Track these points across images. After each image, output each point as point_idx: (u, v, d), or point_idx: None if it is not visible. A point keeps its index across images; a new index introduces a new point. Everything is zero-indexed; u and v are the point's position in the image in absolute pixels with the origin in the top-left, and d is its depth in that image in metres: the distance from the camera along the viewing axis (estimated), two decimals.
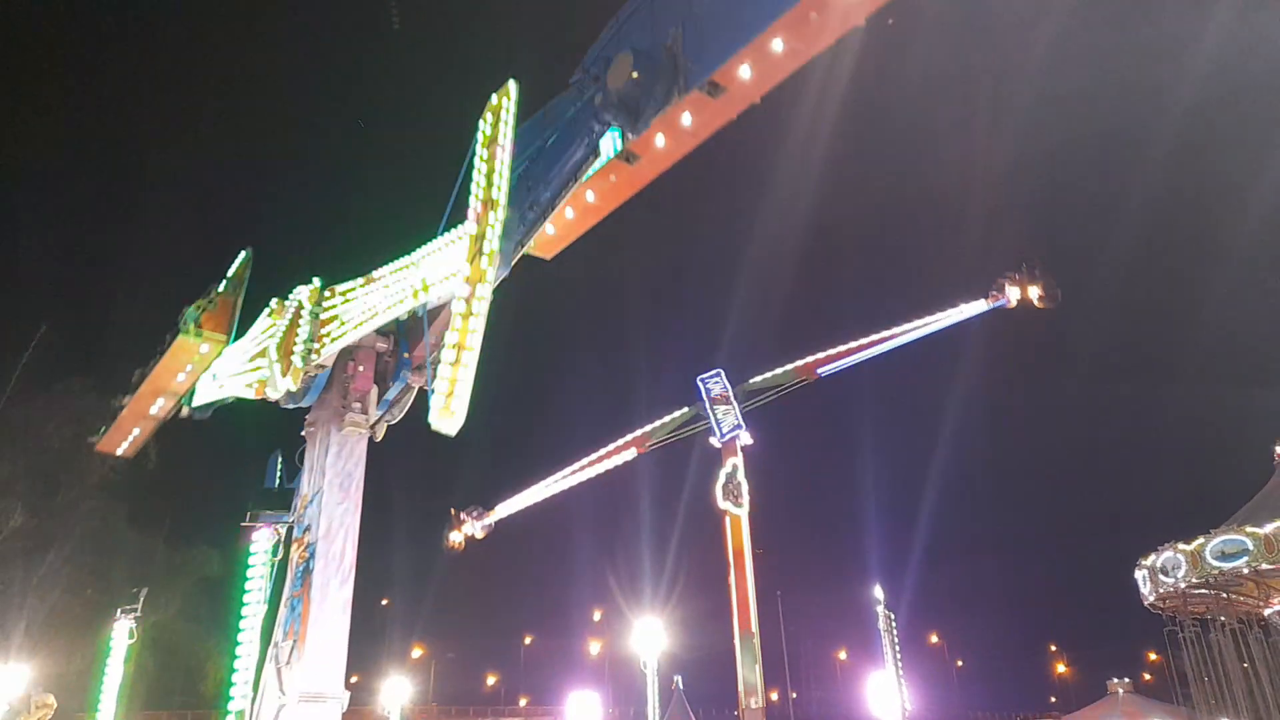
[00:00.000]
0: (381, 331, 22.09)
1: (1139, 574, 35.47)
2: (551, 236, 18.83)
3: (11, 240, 46.34)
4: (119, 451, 28.25)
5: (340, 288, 20.64)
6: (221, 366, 24.35)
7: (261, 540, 21.37)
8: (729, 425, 34.88)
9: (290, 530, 21.32)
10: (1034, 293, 29.40)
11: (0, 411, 37.54)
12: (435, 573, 64.86)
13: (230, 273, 24.59)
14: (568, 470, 38.02)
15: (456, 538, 38.46)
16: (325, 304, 20.88)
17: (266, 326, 22.28)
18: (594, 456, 37.48)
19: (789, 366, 35.48)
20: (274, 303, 22.29)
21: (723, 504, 34.00)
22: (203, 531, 45.07)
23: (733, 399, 35.26)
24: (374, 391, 21.77)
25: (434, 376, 16.21)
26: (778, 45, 12.15)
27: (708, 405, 35.69)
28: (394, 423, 22.54)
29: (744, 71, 12.68)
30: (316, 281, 21.04)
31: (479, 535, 38.72)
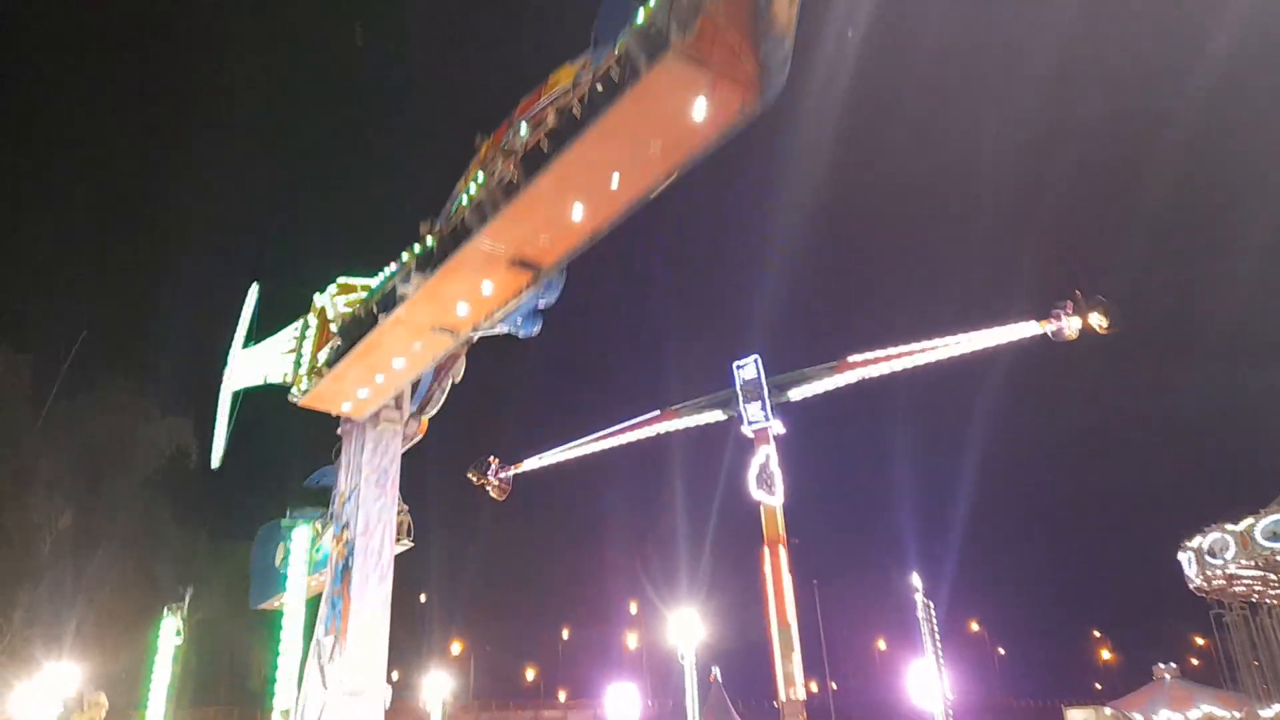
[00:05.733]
0: None
1: (1183, 556, 34.76)
2: None
3: (54, 244, 47.22)
4: None
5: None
6: (261, 355, 24.62)
7: (300, 538, 21.67)
8: (755, 415, 34.34)
9: (328, 527, 21.66)
10: (1096, 320, 28.44)
11: (46, 411, 38.35)
12: (473, 567, 65.32)
13: None
14: (597, 435, 37.58)
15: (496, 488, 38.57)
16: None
17: (304, 325, 22.53)
18: (624, 425, 37.19)
19: (822, 366, 34.69)
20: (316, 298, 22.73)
21: (756, 493, 33.73)
22: (245, 527, 45.64)
23: (764, 388, 34.70)
24: (408, 387, 21.99)
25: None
26: None
27: (739, 393, 35.18)
28: (432, 415, 22.76)
29: None
30: (317, 300, 21.36)
31: (494, 494, 38.68)
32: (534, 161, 13.78)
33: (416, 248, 16.88)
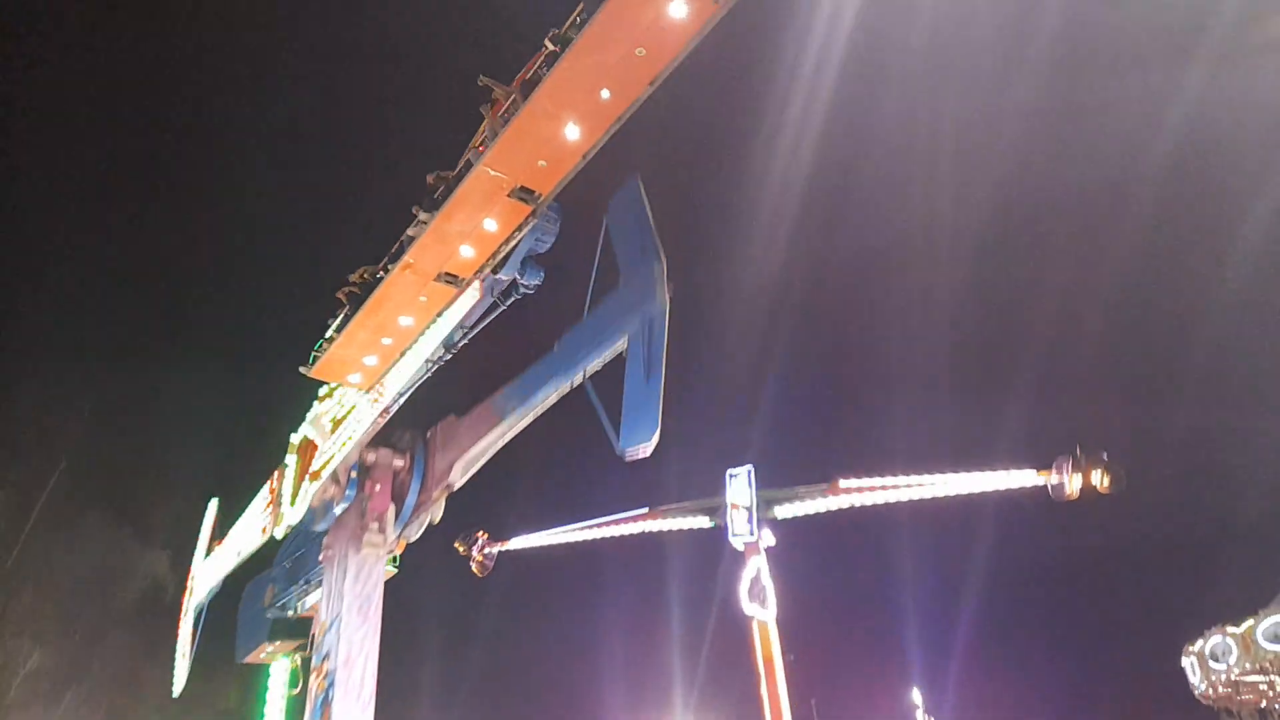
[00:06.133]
0: (398, 449, 22.23)
1: (1186, 661, 33.99)
2: None
3: (32, 374, 46.94)
4: None
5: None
6: (229, 541, 24.63)
7: (279, 672, 20.99)
8: (740, 528, 33.75)
9: (308, 660, 21.02)
10: (1097, 479, 28.46)
11: (19, 549, 37.49)
12: (459, 696, 62.90)
13: None
14: (584, 524, 36.52)
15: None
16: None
17: (282, 468, 22.52)
18: (611, 519, 36.39)
19: (814, 486, 34.56)
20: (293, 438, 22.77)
21: (749, 608, 33.03)
22: (221, 663, 44.14)
23: (753, 501, 34.24)
24: (391, 510, 21.74)
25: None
26: None
27: (726, 503, 34.70)
28: (413, 541, 22.43)
29: None
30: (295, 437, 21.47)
31: (476, 569, 37.44)
32: (531, 85, 14.99)
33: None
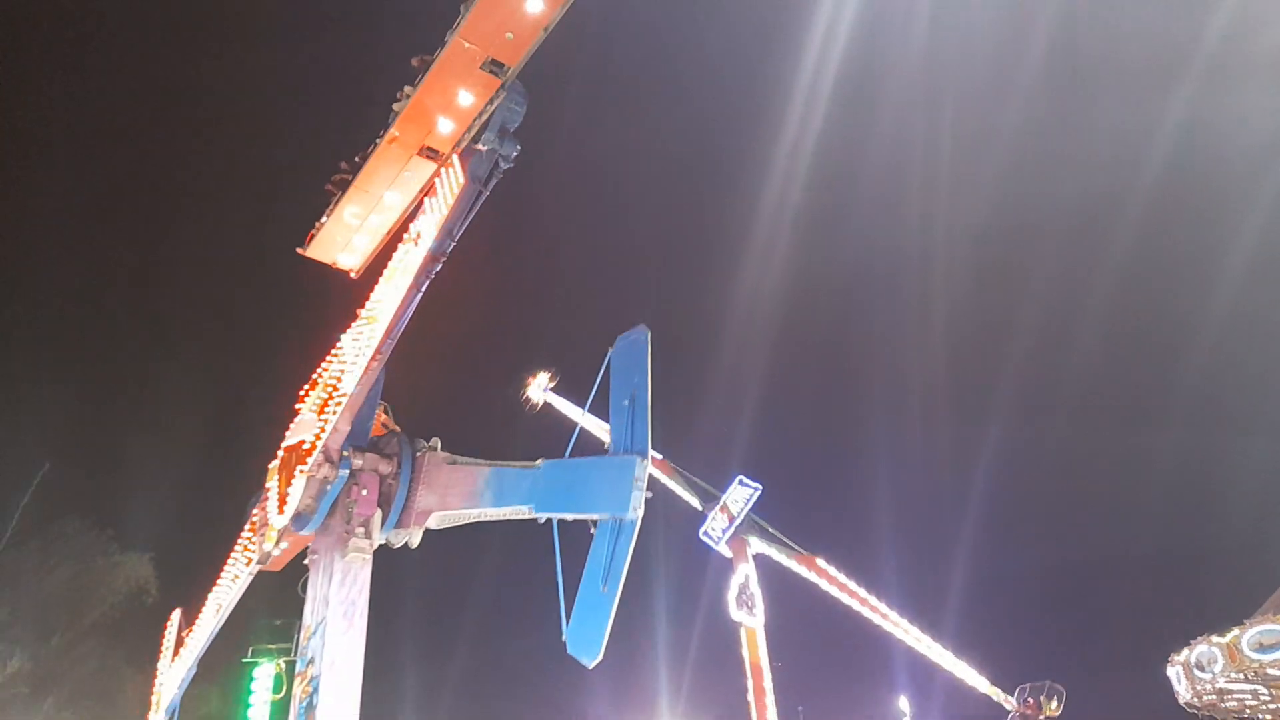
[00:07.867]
0: (385, 454, 21.97)
1: (1171, 671, 34.02)
2: None
3: (13, 375, 46.47)
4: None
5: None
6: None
7: (262, 676, 20.73)
8: (715, 529, 33.85)
9: (292, 664, 20.75)
10: (1054, 706, 31.04)
11: None
12: (445, 697, 62.55)
13: None
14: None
15: (535, 395, 40.95)
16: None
17: (261, 506, 22.30)
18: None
19: (794, 547, 35.00)
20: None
21: (736, 615, 32.98)
22: (202, 668, 43.67)
23: (741, 517, 34.15)
24: (378, 515, 21.45)
25: None
26: None
27: (720, 501, 34.68)
28: (397, 547, 22.16)
29: None
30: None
31: (533, 396, 40.86)
32: None
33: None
